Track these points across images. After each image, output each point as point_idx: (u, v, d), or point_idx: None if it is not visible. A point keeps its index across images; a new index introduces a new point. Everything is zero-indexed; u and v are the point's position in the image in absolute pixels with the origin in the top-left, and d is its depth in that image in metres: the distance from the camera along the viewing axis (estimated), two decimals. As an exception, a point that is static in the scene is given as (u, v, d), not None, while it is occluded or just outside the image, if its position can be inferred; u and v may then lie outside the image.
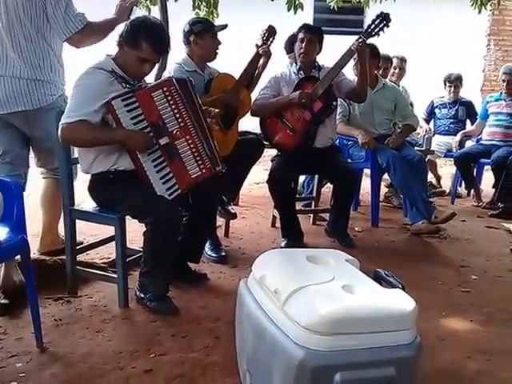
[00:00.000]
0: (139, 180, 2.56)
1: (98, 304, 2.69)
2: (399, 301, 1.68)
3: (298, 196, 4.37)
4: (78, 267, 2.80)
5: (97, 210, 2.70)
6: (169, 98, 2.58)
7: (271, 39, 3.55)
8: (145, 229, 2.56)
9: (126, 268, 2.66)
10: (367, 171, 4.44)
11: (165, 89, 2.59)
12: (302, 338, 1.53)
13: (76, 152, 2.74)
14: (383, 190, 4.93)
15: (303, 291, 1.64)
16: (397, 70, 5.21)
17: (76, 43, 2.95)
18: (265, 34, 3.55)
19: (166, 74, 3.40)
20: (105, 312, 2.61)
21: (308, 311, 1.56)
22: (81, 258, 2.94)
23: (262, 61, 3.54)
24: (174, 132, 2.59)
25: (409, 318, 1.63)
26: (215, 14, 5.12)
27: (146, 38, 2.51)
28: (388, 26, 3.51)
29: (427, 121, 5.70)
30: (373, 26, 3.52)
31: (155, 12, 4.13)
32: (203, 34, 3.29)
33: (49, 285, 2.69)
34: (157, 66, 3.90)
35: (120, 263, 2.64)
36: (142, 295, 2.64)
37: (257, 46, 3.53)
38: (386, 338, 1.57)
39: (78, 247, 2.86)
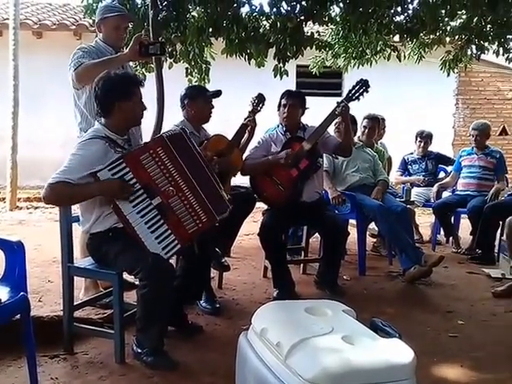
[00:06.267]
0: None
1: (94, 360, 2.54)
2: (398, 351, 1.63)
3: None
4: (74, 324, 2.66)
5: (95, 266, 2.61)
6: (156, 159, 2.50)
7: (261, 105, 3.66)
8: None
9: (123, 324, 2.53)
10: (352, 221, 4.40)
11: (151, 151, 2.52)
12: (306, 392, 1.45)
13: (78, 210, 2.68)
14: (369, 239, 4.90)
15: (304, 344, 1.58)
16: (382, 132, 5.31)
17: (77, 82, 3.03)
18: (255, 100, 3.66)
19: (163, 134, 3.42)
20: (101, 369, 2.46)
21: (311, 364, 1.50)
22: (77, 313, 2.79)
23: (250, 126, 3.60)
24: (166, 191, 2.51)
25: (408, 367, 1.58)
26: (206, 80, 5.21)
27: (134, 84, 2.59)
28: (367, 92, 3.61)
29: (402, 176, 5.80)
30: (353, 91, 3.62)
31: (151, 79, 4.17)
32: (196, 98, 3.41)
33: (44, 342, 2.52)
34: (153, 127, 3.93)
35: (117, 319, 2.50)
36: (139, 350, 2.51)
37: (249, 112, 3.62)
38: (389, 389, 1.50)
39: (75, 303, 2.73)
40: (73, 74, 3.00)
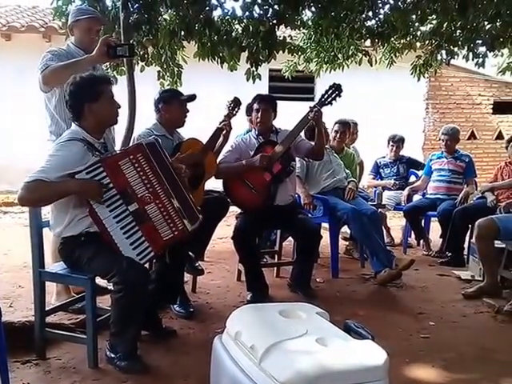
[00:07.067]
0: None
1: (67, 366, 2.52)
2: (371, 353, 1.65)
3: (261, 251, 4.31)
4: (46, 329, 2.62)
5: (66, 271, 2.58)
6: (136, 165, 2.49)
7: (236, 109, 3.66)
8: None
9: (96, 329, 2.51)
10: (325, 225, 4.43)
11: (131, 157, 2.50)
12: (280, 394, 1.46)
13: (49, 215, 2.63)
14: (341, 242, 4.94)
15: (279, 346, 1.59)
16: (354, 136, 5.42)
17: (44, 84, 3.00)
18: (231, 104, 3.65)
19: (134, 136, 3.40)
20: (74, 374, 2.44)
21: (285, 367, 1.50)
22: (49, 319, 2.76)
23: (225, 130, 3.58)
24: (144, 197, 2.49)
25: (381, 369, 1.60)
26: (179, 84, 5.19)
27: (101, 83, 2.56)
28: (340, 96, 3.61)
29: (374, 179, 5.88)
30: (326, 95, 3.62)
31: (122, 82, 4.13)
32: (171, 102, 3.35)
33: (16, 347, 2.49)
34: (124, 130, 3.90)
35: (90, 324, 2.49)
36: (113, 355, 2.49)
37: (224, 116, 3.61)
38: (362, 390, 1.52)
39: (47, 309, 2.69)
40: (40, 77, 2.96)
